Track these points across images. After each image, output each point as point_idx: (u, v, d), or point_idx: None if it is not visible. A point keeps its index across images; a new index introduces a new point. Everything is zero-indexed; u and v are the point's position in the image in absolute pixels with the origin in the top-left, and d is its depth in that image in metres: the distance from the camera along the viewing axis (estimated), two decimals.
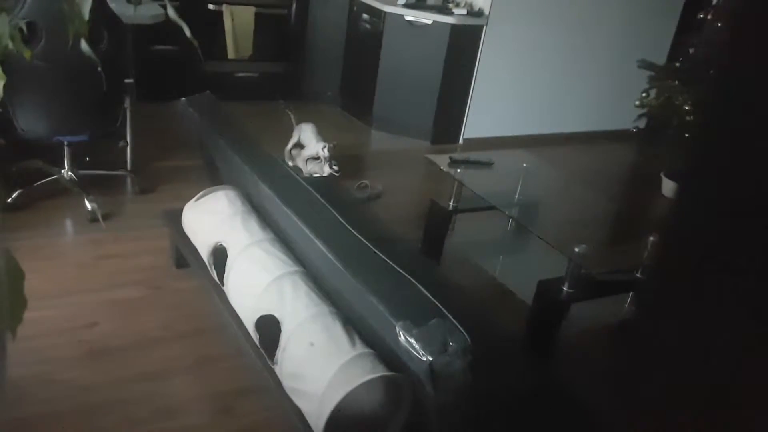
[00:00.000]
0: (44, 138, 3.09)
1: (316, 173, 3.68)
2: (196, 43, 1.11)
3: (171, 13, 1.10)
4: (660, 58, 5.25)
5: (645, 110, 4.59)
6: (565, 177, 3.81)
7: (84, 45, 1.14)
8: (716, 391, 0.47)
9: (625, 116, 4.88)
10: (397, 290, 1.74)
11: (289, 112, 3.93)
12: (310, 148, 3.70)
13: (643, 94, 4.56)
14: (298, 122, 3.88)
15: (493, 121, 5.21)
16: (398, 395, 1.81)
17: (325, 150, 3.62)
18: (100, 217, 3.15)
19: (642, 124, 4.81)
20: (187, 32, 1.11)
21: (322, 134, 3.79)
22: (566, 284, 2.61)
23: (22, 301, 1.02)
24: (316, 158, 3.68)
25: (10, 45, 1.02)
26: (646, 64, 4.58)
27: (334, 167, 3.62)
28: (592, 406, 0.59)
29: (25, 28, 2.46)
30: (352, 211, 2.73)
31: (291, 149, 3.83)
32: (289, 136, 3.90)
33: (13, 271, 0.98)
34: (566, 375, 2.57)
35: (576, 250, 2.54)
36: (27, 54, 1.24)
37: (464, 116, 5.11)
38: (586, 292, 2.62)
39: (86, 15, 0.99)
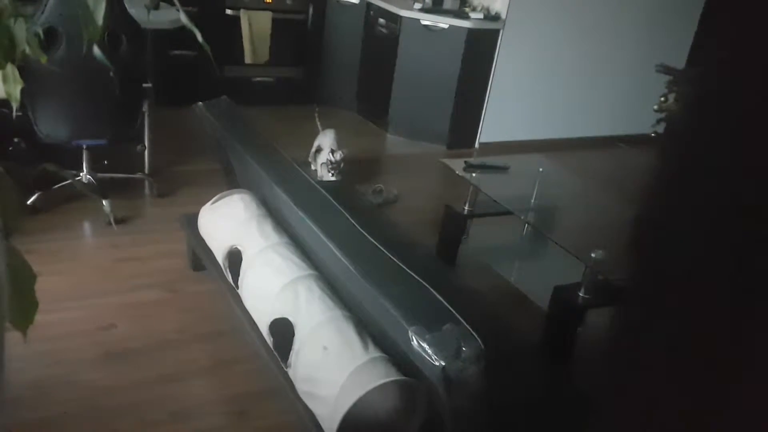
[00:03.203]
0: (64, 142, 3.13)
1: (327, 178, 3.73)
2: (208, 49, 1.12)
3: (184, 18, 1.11)
4: (679, 63, 5.19)
5: (664, 115, 4.54)
6: (582, 182, 3.78)
7: (97, 50, 1.15)
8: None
9: (644, 120, 4.83)
10: (410, 295, 1.74)
11: (316, 115, 3.99)
12: (323, 154, 3.76)
13: (662, 99, 4.52)
14: (324, 127, 3.93)
15: (509, 126, 5.19)
16: (412, 400, 1.80)
17: (330, 156, 3.66)
18: (112, 219, 3.17)
19: (661, 128, 4.76)
20: (199, 38, 1.12)
21: (339, 140, 3.82)
22: (582, 290, 2.59)
23: (33, 303, 1.03)
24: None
25: (28, 50, 1.04)
26: (664, 69, 4.53)
27: (331, 173, 3.67)
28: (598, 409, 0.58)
29: (42, 34, 2.49)
30: (367, 216, 2.73)
31: (314, 152, 3.90)
32: (308, 141, 3.95)
33: (23, 273, 0.98)
34: (582, 381, 2.55)
35: (592, 255, 2.52)
36: (43, 59, 1.25)
37: (480, 120, 5.09)
38: (602, 298, 2.59)
39: (100, 20, 1.01)
